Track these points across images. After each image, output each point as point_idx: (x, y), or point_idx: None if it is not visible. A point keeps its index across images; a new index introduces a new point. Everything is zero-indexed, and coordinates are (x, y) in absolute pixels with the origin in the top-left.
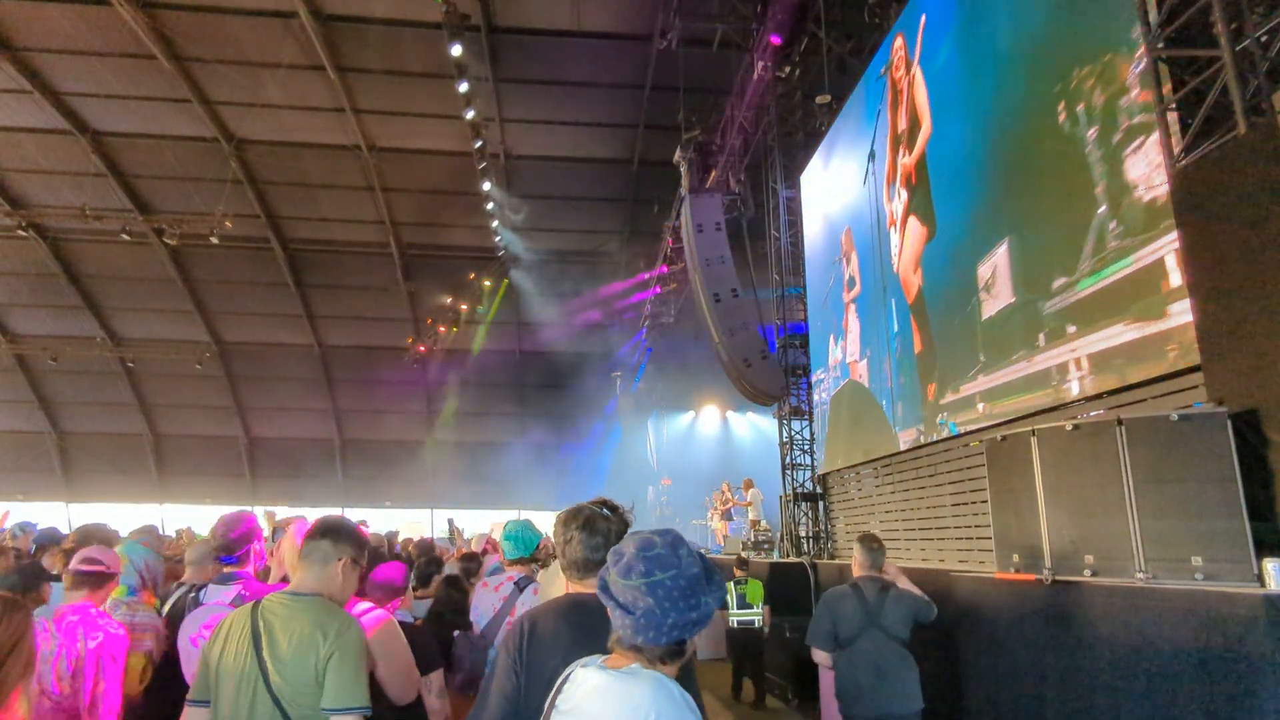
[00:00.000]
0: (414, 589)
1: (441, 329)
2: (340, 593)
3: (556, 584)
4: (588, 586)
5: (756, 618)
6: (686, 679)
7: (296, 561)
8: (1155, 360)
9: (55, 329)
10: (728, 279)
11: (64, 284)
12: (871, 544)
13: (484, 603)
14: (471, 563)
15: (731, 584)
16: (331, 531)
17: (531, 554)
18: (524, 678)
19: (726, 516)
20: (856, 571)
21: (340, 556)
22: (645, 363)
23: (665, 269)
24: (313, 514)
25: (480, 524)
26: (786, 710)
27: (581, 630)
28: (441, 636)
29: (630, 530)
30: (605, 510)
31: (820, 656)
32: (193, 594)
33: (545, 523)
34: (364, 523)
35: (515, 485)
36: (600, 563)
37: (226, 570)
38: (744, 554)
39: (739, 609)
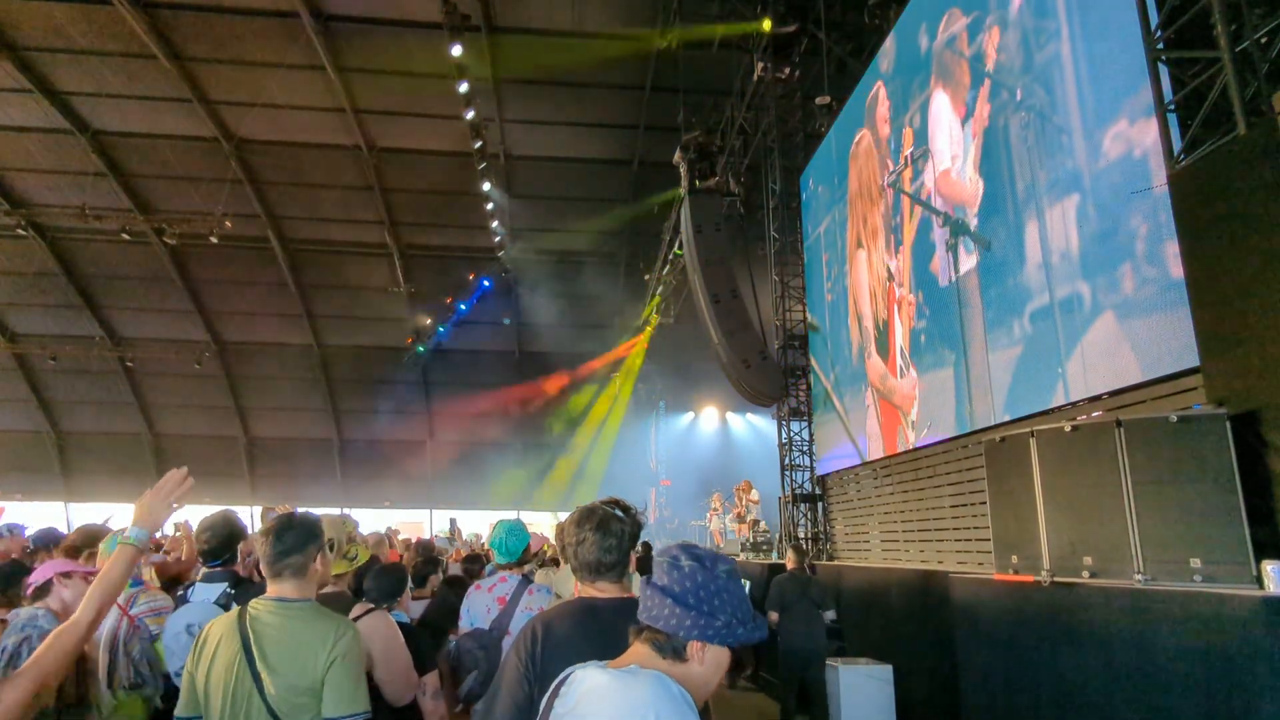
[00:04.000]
0: (411, 590)
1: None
2: (320, 584)
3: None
4: (600, 590)
5: None
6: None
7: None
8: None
9: (55, 328)
10: (727, 280)
11: (64, 283)
12: (801, 549)
13: (477, 605)
14: (474, 564)
15: None
16: (292, 550)
17: (519, 558)
18: (538, 686)
19: (739, 519)
20: (790, 566)
21: (313, 557)
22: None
23: (664, 270)
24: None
25: (480, 524)
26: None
27: (598, 636)
28: (436, 638)
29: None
30: (618, 511)
31: (772, 616)
32: (182, 592)
33: (542, 524)
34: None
35: (514, 486)
36: (612, 565)
37: (213, 570)
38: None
39: None
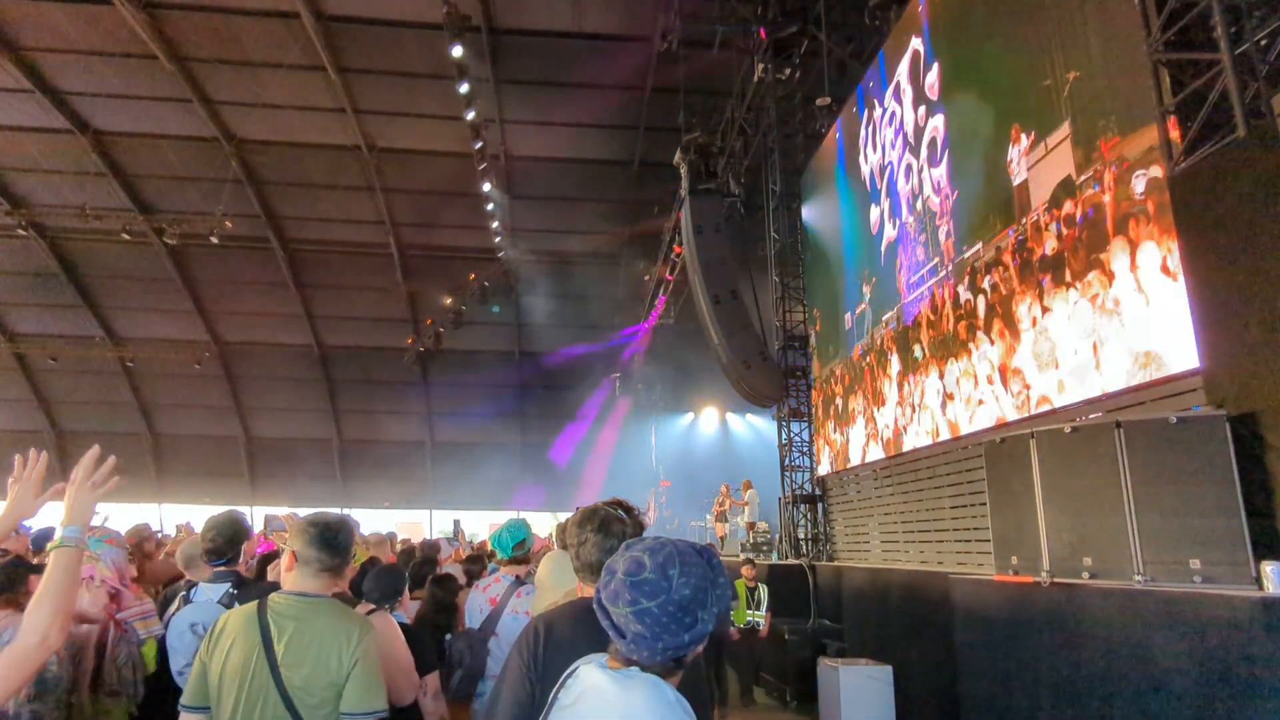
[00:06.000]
0: (409, 591)
1: (441, 330)
2: (339, 587)
3: (551, 581)
4: None
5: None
6: (694, 683)
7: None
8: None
9: (55, 328)
10: (727, 280)
11: (64, 283)
12: (714, 548)
13: (472, 605)
14: (475, 564)
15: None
16: (344, 550)
17: (510, 554)
18: (539, 686)
19: (722, 518)
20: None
21: (347, 564)
22: (636, 355)
23: (665, 271)
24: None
25: (482, 525)
26: (785, 711)
27: (599, 635)
28: (435, 636)
29: (628, 544)
30: (620, 512)
31: None
32: (184, 592)
33: (542, 524)
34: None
35: (514, 487)
36: None
37: (217, 570)
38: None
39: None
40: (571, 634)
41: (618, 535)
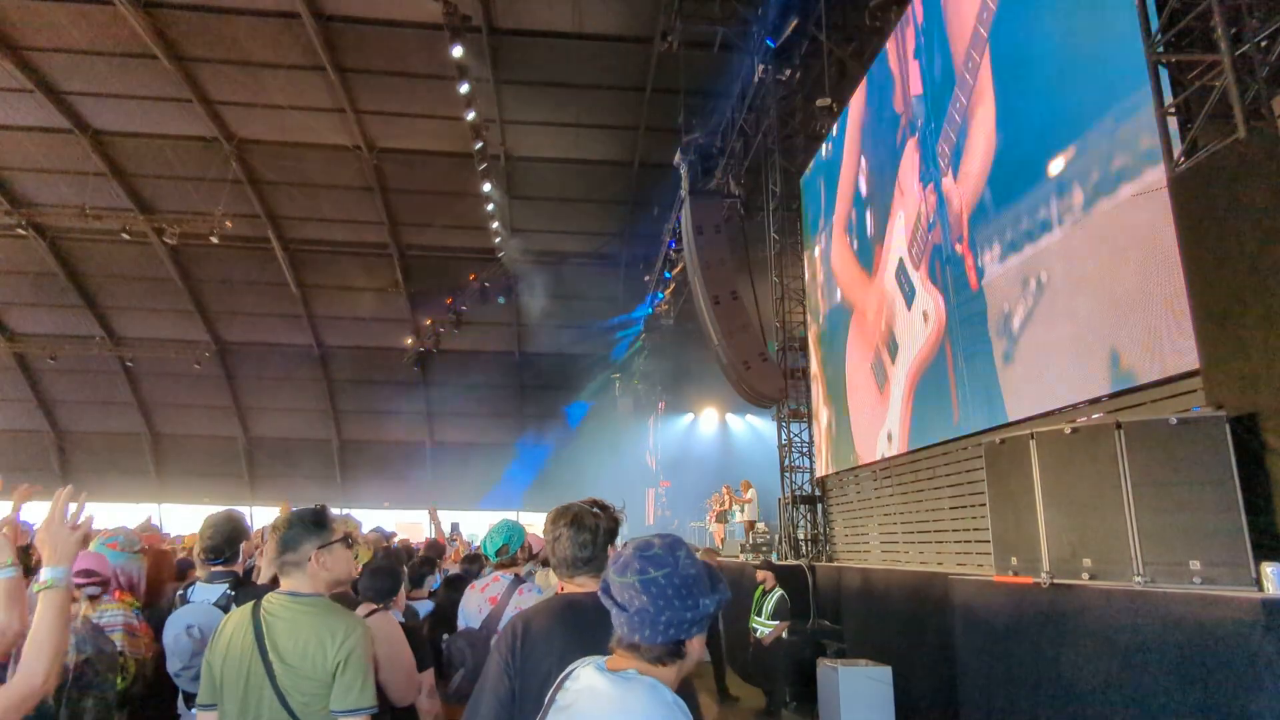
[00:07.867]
0: (407, 590)
1: (441, 330)
2: (334, 582)
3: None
4: (580, 585)
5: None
6: (693, 685)
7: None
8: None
9: (55, 328)
10: (727, 281)
11: (64, 283)
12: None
13: (470, 605)
14: (473, 564)
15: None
16: (288, 542)
17: (496, 557)
18: (518, 681)
19: (722, 518)
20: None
21: (308, 555)
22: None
23: (665, 271)
24: None
25: (480, 525)
26: (785, 711)
27: (576, 631)
28: (435, 639)
29: (621, 529)
30: (595, 508)
31: None
32: (180, 593)
33: (540, 524)
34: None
35: (514, 487)
36: (588, 560)
37: (215, 570)
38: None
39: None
40: (547, 628)
41: (590, 529)
